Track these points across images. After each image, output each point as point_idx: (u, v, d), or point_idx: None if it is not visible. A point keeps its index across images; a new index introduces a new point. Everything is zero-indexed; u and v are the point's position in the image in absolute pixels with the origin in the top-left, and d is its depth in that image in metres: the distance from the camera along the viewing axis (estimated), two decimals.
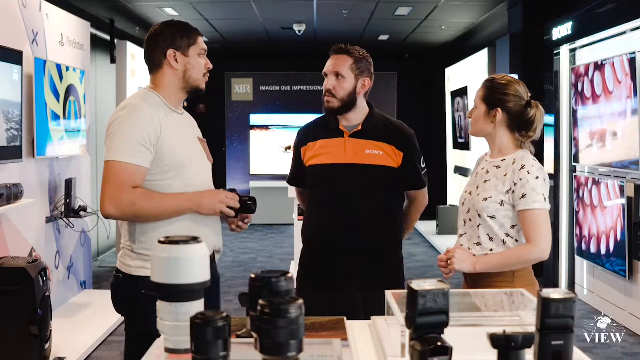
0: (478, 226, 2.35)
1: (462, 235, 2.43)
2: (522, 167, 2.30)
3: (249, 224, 2.43)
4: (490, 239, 2.33)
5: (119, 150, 2.18)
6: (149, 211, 2.20)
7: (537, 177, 2.28)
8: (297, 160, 2.77)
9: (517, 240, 2.33)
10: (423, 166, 2.74)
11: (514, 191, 2.29)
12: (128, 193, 2.16)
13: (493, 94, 2.37)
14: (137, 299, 2.23)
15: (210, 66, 2.40)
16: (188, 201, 2.23)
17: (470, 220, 2.39)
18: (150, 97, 2.34)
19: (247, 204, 2.32)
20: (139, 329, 2.27)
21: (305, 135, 2.75)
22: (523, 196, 2.26)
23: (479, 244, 2.35)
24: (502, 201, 2.30)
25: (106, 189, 2.18)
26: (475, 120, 2.41)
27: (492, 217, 2.31)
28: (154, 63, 2.37)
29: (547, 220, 2.30)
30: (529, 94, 2.39)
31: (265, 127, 11.07)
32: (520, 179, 2.28)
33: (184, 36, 2.34)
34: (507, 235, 2.32)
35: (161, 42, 2.35)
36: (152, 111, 2.26)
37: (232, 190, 2.34)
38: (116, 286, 2.33)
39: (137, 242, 2.26)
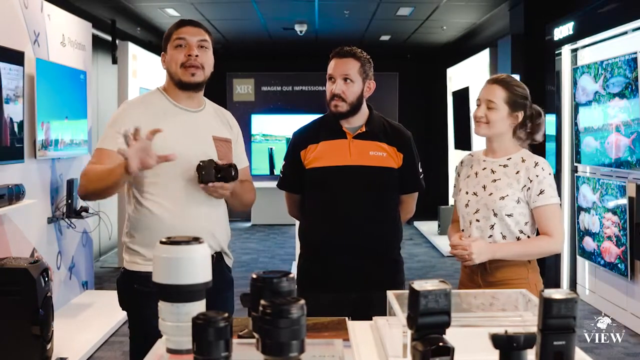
0: (492, 226, 2.36)
1: (469, 236, 2.43)
2: (536, 164, 2.36)
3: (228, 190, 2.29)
4: (504, 237, 2.36)
5: (99, 140, 2.31)
6: (93, 179, 2.20)
7: (550, 174, 2.37)
8: (295, 163, 2.69)
9: (528, 237, 2.37)
10: (421, 170, 2.72)
11: (529, 188, 2.34)
12: (85, 169, 2.27)
13: (515, 96, 2.39)
14: (131, 293, 2.29)
15: (192, 53, 2.29)
16: (115, 169, 2.13)
17: (478, 220, 2.40)
18: (153, 95, 2.40)
19: (230, 173, 2.23)
20: (135, 323, 2.32)
21: (305, 138, 2.69)
22: (541, 192, 2.33)
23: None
24: (518, 198, 2.35)
25: None
26: (495, 121, 2.40)
27: (509, 215, 2.35)
28: None
29: (561, 214, 2.38)
30: None
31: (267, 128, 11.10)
32: (537, 176, 2.34)
33: (166, 35, 2.37)
34: (521, 232, 2.36)
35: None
36: (141, 107, 2.32)
37: (210, 161, 2.24)
38: (118, 280, 2.39)
39: (130, 237, 2.32)
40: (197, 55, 2.30)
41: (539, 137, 2.46)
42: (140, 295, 2.23)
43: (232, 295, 2.50)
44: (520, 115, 2.40)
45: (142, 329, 2.23)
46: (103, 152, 2.27)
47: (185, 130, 2.33)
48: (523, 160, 2.39)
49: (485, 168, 2.45)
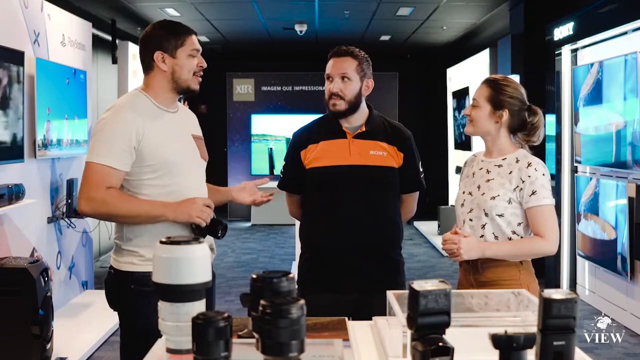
0: (483, 226, 2.36)
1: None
2: (529, 165, 2.34)
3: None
4: (496, 237, 2.35)
5: (97, 152, 2.23)
6: (121, 212, 2.24)
7: (544, 174, 2.34)
8: (295, 163, 2.69)
9: (522, 238, 2.35)
10: (421, 169, 2.73)
11: (521, 188, 2.32)
12: (102, 193, 2.22)
13: (500, 95, 2.38)
14: (127, 294, 2.30)
15: (204, 65, 2.38)
16: (162, 207, 2.24)
17: (471, 220, 2.40)
18: (139, 98, 2.35)
19: (216, 229, 2.30)
20: (130, 323, 2.33)
21: (305, 138, 2.69)
22: (533, 193, 2.30)
23: None
24: (510, 199, 2.33)
25: (82, 188, 2.26)
26: (477, 119, 2.41)
27: (500, 216, 2.33)
28: (145, 64, 2.38)
29: (555, 215, 2.35)
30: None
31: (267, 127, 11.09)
32: (529, 176, 2.32)
33: (171, 38, 2.33)
34: (514, 232, 2.35)
35: (150, 43, 2.35)
36: (136, 113, 2.27)
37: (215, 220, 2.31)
38: (108, 281, 2.39)
39: (125, 239, 2.33)
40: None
41: (535, 139, 2.42)
42: (138, 295, 2.24)
43: (214, 288, 2.59)
44: (505, 113, 2.37)
45: (139, 327, 2.24)
46: (108, 170, 2.22)
47: (173, 130, 2.36)
48: (517, 161, 2.37)
49: (481, 168, 2.46)
